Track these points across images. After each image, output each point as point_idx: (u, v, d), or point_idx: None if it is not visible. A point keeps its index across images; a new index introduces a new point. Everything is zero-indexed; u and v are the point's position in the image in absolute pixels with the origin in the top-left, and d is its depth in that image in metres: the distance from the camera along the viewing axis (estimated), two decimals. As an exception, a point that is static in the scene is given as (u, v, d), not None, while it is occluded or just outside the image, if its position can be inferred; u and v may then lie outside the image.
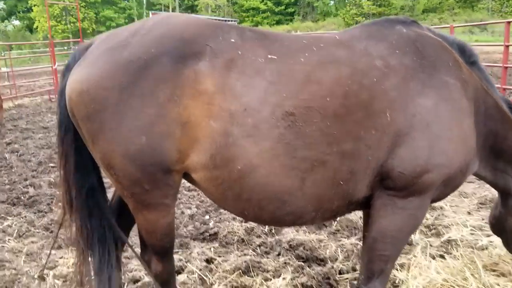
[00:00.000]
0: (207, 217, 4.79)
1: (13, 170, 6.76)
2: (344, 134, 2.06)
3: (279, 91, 2.04)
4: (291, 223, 2.30)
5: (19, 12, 61.55)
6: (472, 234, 4.10)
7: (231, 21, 39.59)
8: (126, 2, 61.82)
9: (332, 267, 3.54)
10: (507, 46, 9.00)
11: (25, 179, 6.23)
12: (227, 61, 2.06)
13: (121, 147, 2.04)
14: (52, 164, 7.04)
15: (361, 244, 3.92)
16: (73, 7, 16.76)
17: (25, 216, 4.83)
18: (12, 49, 36.18)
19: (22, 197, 5.51)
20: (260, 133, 2.01)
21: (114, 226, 2.44)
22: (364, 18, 57.11)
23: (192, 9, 63.39)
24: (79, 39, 16.09)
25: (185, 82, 2.02)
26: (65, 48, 27.55)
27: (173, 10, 60.19)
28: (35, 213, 5.00)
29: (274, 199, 2.13)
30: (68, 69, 2.25)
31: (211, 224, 4.54)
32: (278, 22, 62.01)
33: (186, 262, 3.66)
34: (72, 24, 48.42)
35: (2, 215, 4.87)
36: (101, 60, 2.07)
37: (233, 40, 2.13)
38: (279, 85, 2.05)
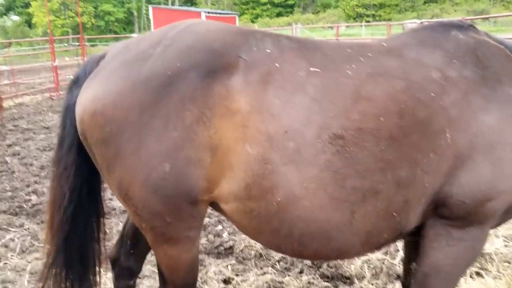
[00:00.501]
0: (220, 227, 4.52)
1: (14, 176, 6.50)
2: (399, 159, 1.79)
3: (324, 109, 1.77)
4: (335, 258, 2.04)
5: (17, 7, 61.04)
6: (506, 246, 3.84)
7: (231, 14, 39.17)
8: (125, -5, 61.21)
9: (361, 287, 3.28)
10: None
11: (28, 185, 5.97)
12: (263, 75, 1.80)
13: (141, 176, 1.77)
14: (55, 168, 6.77)
15: (389, 259, 3.67)
16: (72, 2, 16.44)
17: (28, 228, 4.57)
18: (11, 46, 35.82)
19: (24, 206, 5.25)
20: (304, 160, 1.74)
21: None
22: (364, 9, 56.64)
23: (191, 1, 62.84)
24: (78, 35, 15.75)
25: (216, 101, 1.75)
26: (65, 44, 27.17)
27: (173, 3, 59.65)
28: (38, 223, 4.75)
29: (318, 235, 1.86)
30: (76, 83, 1.98)
31: (225, 236, 4.27)
32: (279, 15, 61.52)
33: (202, 283, 3.40)
34: (71, 18, 47.99)
35: (4, 226, 4.62)
36: (118, 75, 1.80)
37: (269, 51, 1.86)
38: (325, 103, 1.77)
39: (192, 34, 1.89)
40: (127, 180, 1.79)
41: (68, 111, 1.97)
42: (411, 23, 23.35)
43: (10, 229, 4.58)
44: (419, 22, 13.79)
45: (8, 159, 7.42)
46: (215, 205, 1.97)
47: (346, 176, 1.75)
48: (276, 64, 1.82)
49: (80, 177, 2.05)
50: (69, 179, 2.04)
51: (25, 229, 4.56)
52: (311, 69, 1.82)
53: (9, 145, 8.36)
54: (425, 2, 56.60)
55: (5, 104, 12.89)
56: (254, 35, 1.92)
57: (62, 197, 2.07)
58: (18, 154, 7.67)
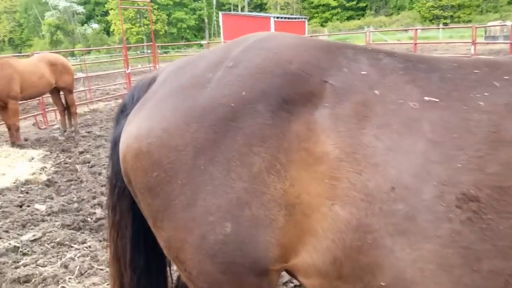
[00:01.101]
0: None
1: (83, 185, 6.50)
2: None
3: (449, 157, 1.25)
4: None
5: (97, 16, 64.80)
6: None
7: (301, 18, 38.71)
8: (196, 3, 62.87)
9: None
10: None
11: (94, 197, 5.91)
12: (358, 107, 1.34)
13: (195, 237, 1.38)
14: (121, 179, 6.72)
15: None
16: (146, 10, 16.93)
17: (90, 246, 4.41)
18: (90, 53, 37.88)
19: (89, 219, 5.15)
20: (419, 230, 1.23)
21: None
22: (442, 11, 53.73)
23: (260, 7, 63.17)
24: (151, 43, 16.08)
25: (293, 142, 1.34)
26: (138, 52, 28.17)
27: (242, 9, 60.34)
28: (100, 240, 4.59)
29: None
30: (123, 112, 1.65)
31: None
32: (349, 18, 60.08)
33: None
34: (145, 26, 49.94)
35: (67, 242, 4.50)
36: (167, 106, 1.44)
37: (364, 73, 1.41)
38: (448, 148, 1.26)
39: (262, 52, 1.49)
40: (178, 241, 1.41)
41: (115, 148, 1.64)
42: (495, 25, 21.53)
43: (73, 245, 4.45)
44: (503, 24, 12.48)
45: (78, 167, 7.51)
46: (290, 272, 1.53)
47: (482, 254, 1.20)
48: (376, 92, 1.36)
49: (140, 224, 1.71)
50: (128, 228, 1.71)
51: (86, 247, 4.40)
52: (426, 98, 1.32)
53: (81, 152, 8.50)
54: (509, 3, 52.53)
55: (81, 110, 13.40)
56: (344, 51, 1.48)
57: (124, 249, 1.74)
58: (88, 162, 7.75)
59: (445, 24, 49.92)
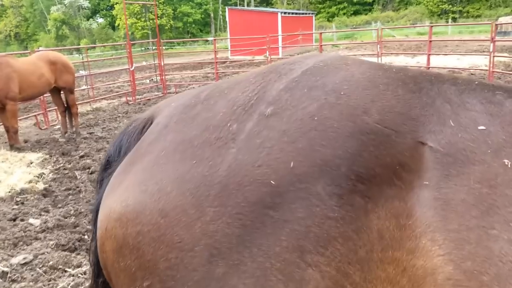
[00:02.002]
0: None
1: (81, 196, 6.10)
2: None
3: None
4: None
5: (102, 10, 64.32)
6: None
7: (308, 13, 38.08)
8: (202, -3, 62.23)
9: None
10: None
11: (92, 210, 5.48)
12: (479, 189, 0.87)
13: None
14: (122, 188, 6.32)
15: None
16: (152, 4, 16.45)
17: (85, 272, 3.99)
18: (95, 49, 37.43)
19: (85, 237, 4.74)
20: None
21: None
22: (450, 5, 52.83)
23: (267, 2, 62.44)
24: (156, 39, 15.63)
25: (374, 249, 0.88)
26: (142, 49, 27.71)
27: (248, 4, 59.69)
28: (97, 264, 4.17)
29: None
30: (106, 169, 1.20)
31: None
32: (356, 13, 59.28)
33: None
34: (151, 20, 49.38)
35: (60, 266, 4.09)
36: (168, 173, 0.99)
37: (482, 127, 0.94)
38: None
39: (318, 92, 1.02)
40: None
41: (97, 217, 1.20)
42: (503, 23, 20.96)
43: (67, 269, 4.04)
44: None
45: (77, 173, 7.11)
46: None
47: None
48: (506, 162, 0.89)
49: None
50: None
51: (81, 273, 3.99)
52: None
53: (81, 156, 8.11)
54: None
55: (83, 109, 13.02)
56: (443, 88, 1.02)
57: None
58: (89, 168, 7.35)
59: (454, 18, 49.12)
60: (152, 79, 18.25)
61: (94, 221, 1.26)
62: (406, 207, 0.88)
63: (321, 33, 15.60)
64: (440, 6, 53.61)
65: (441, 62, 16.08)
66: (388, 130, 0.94)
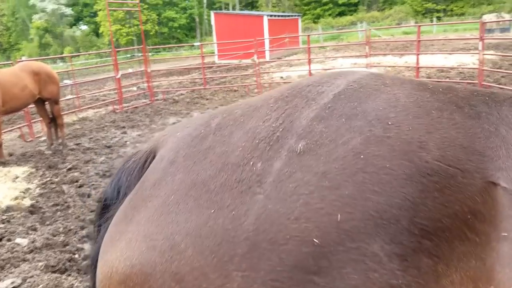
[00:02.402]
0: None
1: (70, 212, 5.86)
2: None
3: None
4: None
5: (85, 17, 63.67)
6: None
7: (294, 16, 38.06)
8: (187, 1, 61.97)
9: None
10: None
11: (82, 227, 5.27)
12: None
13: None
14: (113, 202, 6.10)
15: None
16: (136, 10, 16.16)
17: (77, 296, 3.79)
18: (79, 57, 36.89)
19: (76, 257, 4.52)
20: None
21: None
22: (434, 4, 53.27)
23: (252, 5, 62.39)
24: (141, 46, 15.38)
25: None
26: (128, 56, 27.39)
27: (233, 7, 59.60)
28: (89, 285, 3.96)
29: None
30: (103, 213, 1.02)
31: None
32: (341, 14, 59.55)
33: None
34: (135, 26, 48.98)
35: (50, 290, 3.87)
36: (179, 225, 0.80)
37: None
38: None
39: (360, 122, 0.85)
40: None
41: (94, 265, 1.03)
42: (489, 22, 21.18)
43: (57, 293, 3.83)
44: (498, 16, 12.02)
45: (65, 188, 6.87)
46: None
47: None
48: None
49: None
50: None
51: (72, 297, 3.78)
52: None
53: (69, 169, 7.86)
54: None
55: (69, 119, 12.73)
56: (504, 113, 0.87)
57: None
58: (77, 181, 7.11)
59: (438, 17, 49.59)
60: (139, 86, 17.98)
61: (92, 275, 1.08)
62: (485, 267, 0.72)
63: (308, 35, 15.50)
64: (424, 5, 54.08)
65: (429, 61, 16.10)
66: (452, 169, 0.78)
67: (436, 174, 0.77)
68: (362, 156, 0.79)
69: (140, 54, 17.16)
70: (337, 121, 0.86)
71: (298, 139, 0.84)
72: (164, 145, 1.01)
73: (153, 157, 1.02)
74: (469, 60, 16.12)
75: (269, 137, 0.87)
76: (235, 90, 16.04)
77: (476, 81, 10.90)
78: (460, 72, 14.11)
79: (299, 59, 21.07)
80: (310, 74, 14.63)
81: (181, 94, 16.38)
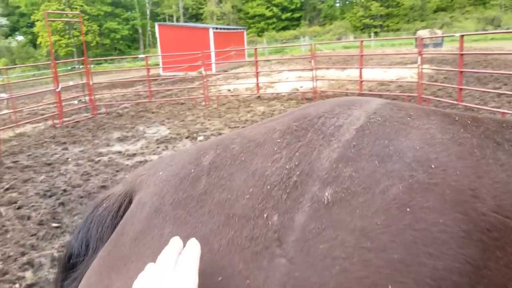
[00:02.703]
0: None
1: (8, 236, 5.45)
2: None
3: None
4: None
5: (22, 28, 60.76)
6: None
7: (240, 29, 38.37)
8: (129, 13, 60.81)
9: None
10: None
11: (23, 253, 4.91)
12: None
13: None
14: (55, 224, 5.74)
15: None
16: (76, 21, 15.57)
17: (19, 331, 3.49)
18: (15, 69, 35.04)
19: (16, 287, 4.18)
20: None
21: None
22: (372, 20, 55.83)
23: (196, 17, 62.30)
24: (83, 56, 14.82)
25: None
26: (68, 68, 26.36)
27: (178, 19, 59.20)
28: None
29: None
30: (68, 270, 0.87)
31: None
32: (285, 28, 60.88)
33: None
34: (75, 38, 47.29)
35: (-12, 325, 3.55)
36: None
37: None
38: None
39: (396, 164, 0.70)
40: None
41: None
42: (442, 35, 22.18)
43: (-4, 328, 3.52)
44: (452, 34, 12.83)
45: (2, 210, 6.41)
46: None
47: None
48: None
49: None
50: None
51: (14, 332, 3.48)
52: None
53: (6, 190, 7.35)
54: (434, 11, 55.71)
55: (5, 135, 11.99)
56: None
57: None
58: (15, 203, 6.66)
59: (375, 32, 51.93)
60: (80, 100, 17.29)
61: None
62: None
63: (255, 48, 15.62)
64: (363, 21, 56.60)
65: (370, 74, 16.73)
66: (509, 221, 0.65)
67: (495, 229, 0.64)
68: (408, 209, 0.65)
69: (81, 66, 16.51)
70: (368, 163, 0.72)
71: (322, 186, 0.69)
72: (142, 188, 0.85)
73: (129, 202, 0.86)
74: (407, 74, 16.92)
75: (284, 182, 0.72)
76: (182, 103, 15.81)
77: (416, 94, 11.43)
78: (400, 85, 14.75)
79: (245, 72, 21.20)
80: (258, 87, 14.73)
81: (125, 108, 15.93)
